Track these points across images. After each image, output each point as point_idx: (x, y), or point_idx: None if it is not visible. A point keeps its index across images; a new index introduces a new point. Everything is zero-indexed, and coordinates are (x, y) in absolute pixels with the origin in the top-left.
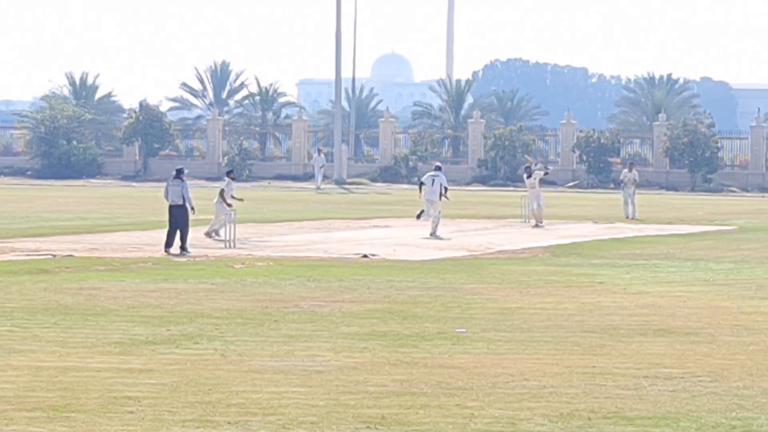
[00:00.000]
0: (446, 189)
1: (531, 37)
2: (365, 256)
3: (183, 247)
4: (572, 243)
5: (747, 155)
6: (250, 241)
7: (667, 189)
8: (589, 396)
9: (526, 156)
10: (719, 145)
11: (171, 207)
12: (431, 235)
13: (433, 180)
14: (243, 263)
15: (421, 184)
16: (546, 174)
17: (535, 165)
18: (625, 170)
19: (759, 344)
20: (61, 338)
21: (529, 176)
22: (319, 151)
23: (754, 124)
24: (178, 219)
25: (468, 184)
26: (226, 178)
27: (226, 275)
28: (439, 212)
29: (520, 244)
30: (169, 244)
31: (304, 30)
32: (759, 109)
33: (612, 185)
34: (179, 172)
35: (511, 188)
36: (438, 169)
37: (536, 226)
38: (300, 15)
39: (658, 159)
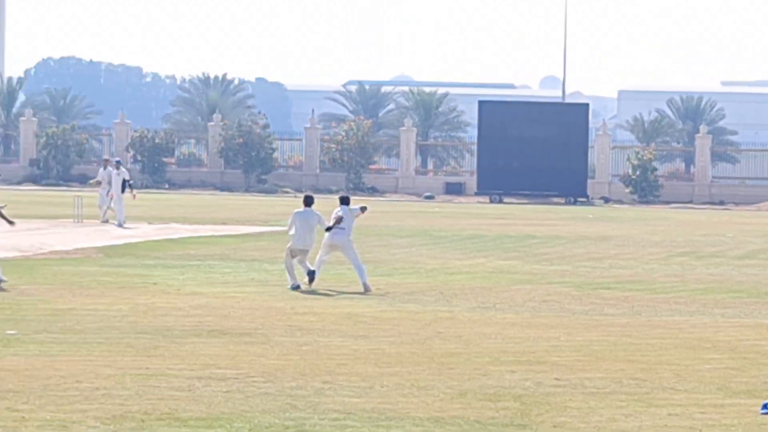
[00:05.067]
0: None
1: (85, 35)
2: None
3: None
4: (126, 243)
5: (302, 156)
6: None
7: (222, 189)
8: (142, 398)
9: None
10: (274, 145)
11: None
12: None
13: None
14: None
15: None
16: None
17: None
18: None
19: (311, 344)
20: None
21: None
22: None
23: (308, 125)
24: None
25: (19, 183)
26: None
27: None
28: None
29: (73, 245)
30: None
31: None
32: (313, 110)
33: (167, 185)
34: None
35: (64, 188)
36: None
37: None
38: None
39: (213, 159)
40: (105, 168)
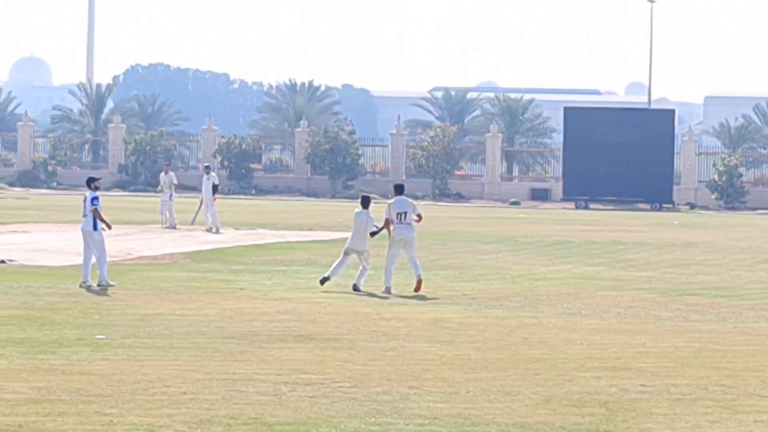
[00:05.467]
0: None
1: (172, 42)
2: (2, 261)
3: None
4: (213, 249)
5: (387, 162)
6: None
7: (308, 195)
8: (229, 402)
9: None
10: (360, 152)
11: None
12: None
13: None
14: None
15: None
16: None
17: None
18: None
19: (397, 350)
20: None
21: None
22: None
23: (394, 131)
24: None
25: (108, 189)
26: None
27: None
28: None
29: (161, 250)
30: None
31: None
32: (399, 116)
33: (254, 191)
34: None
35: (152, 194)
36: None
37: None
38: None
39: (299, 165)
40: (166, 173)
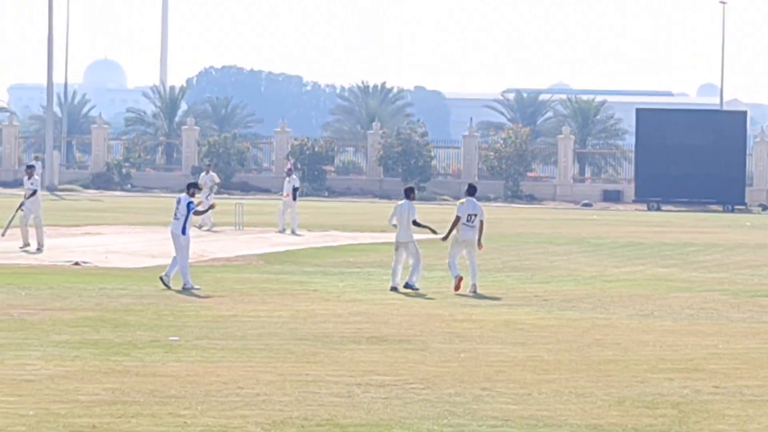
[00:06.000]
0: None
1: (246, 44)
2: (77, 263)
3: None
4: (286, 251)
5: (460, 164)
6: None
7: (381, 197)
8: (302, 404)
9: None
10: (432, 153)
11: None
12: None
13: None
14: None
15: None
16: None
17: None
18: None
19: (470, 351)
20: None
21: None
22: (36, 158)
23: (466, 133)
24: None
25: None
26: None
27: None
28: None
29: (234, 252)
30: None
31: (15, 34)
32: (471, 118)
33: (326, 193)
34: None
35: (225, 196)
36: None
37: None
38: (11, 18)
39: (372, 167)
40: (207, 173)
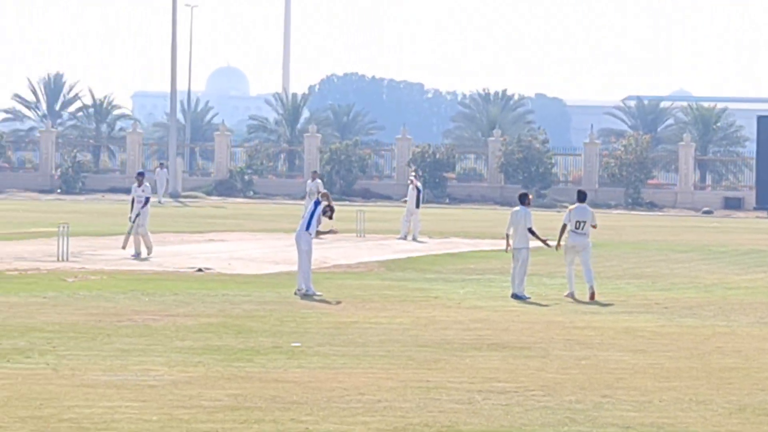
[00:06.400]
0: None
1: (367, 51)
2: (200, 270)
3: None
4: (407, 258)
5: (580, 171)
6: (83, 254)
7: (502, 204)
8: (423, 410)
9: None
10: (553, 160)
11: None
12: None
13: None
14: (76, 276)
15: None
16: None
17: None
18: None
19: (591, 359)
20: None
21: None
22: (162, 165)
23: (587, 140)
24: None
25: (303, 198)
26: None
27: (58, 289)
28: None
29: (355, 259)
30: None
31: (139, 42)
32: (592, 125)
33: (447, 200)
34: None
35: (347, 203)
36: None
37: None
38: (135, 27)
39: (492, 174)
40: (313, 180)
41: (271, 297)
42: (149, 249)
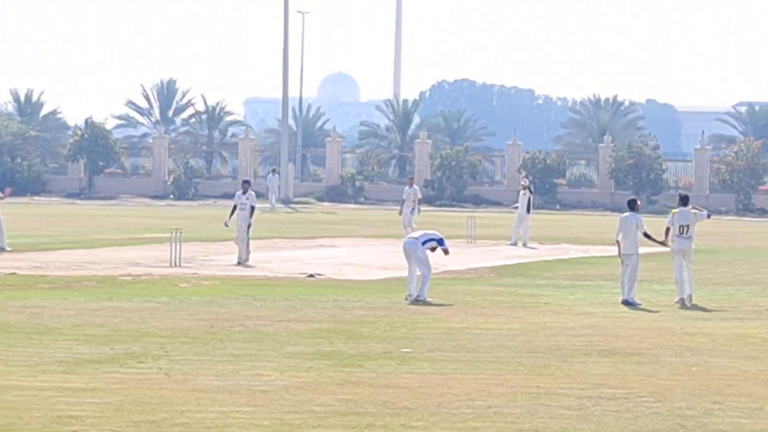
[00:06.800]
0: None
1: (478, 58)
2: (311, 275)
3: None
4: (517, 263)
5: (691, 177)
6: (195, 260)
7: (613, 210)
8: (533, 416)
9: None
10: (664, 167)
11: None
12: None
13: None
14: (188, 282)
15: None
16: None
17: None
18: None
19: (701, 365)
20: (3, 357)
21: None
22: (274, 170)
23: (698, 146)
24: None
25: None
26: None
27: (171, 294)
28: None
29: (466, 265)
30: None
31: (251, 48)
32: (703, 131)
33: (558, 206)
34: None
35: (457, 209)
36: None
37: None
38: (247, 33)
39: (603, 180)
40: (410, 186)
41: (382, 302)
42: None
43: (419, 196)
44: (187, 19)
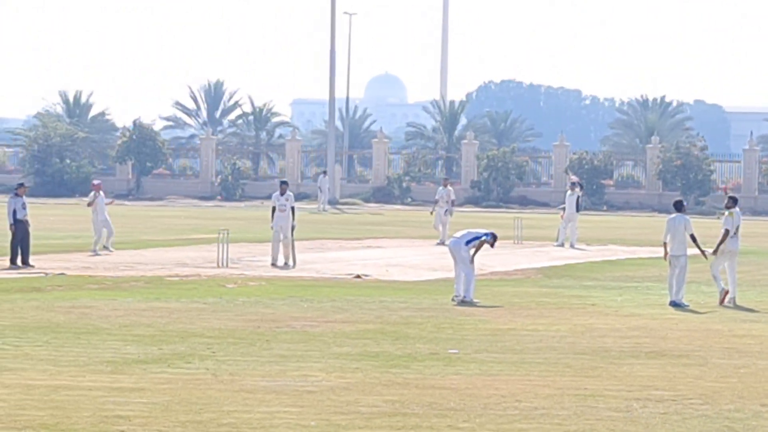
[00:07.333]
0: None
1: (525, 58)
2: (358, 276)
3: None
4: (565, 265)
5: (740, 178)
6: (242, 260)
7: (660, 211)
8: (580, 418)
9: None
10: (712, 167)
11: None
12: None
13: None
14: (235, 283)
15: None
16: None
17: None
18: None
19: (750, 367)
20: (52, 357)
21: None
22: (325, 172)
23: (747, 147)
24: None
25: (461, 204)
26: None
27: (218, 295)
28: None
29: (513, 266)
30: None
31: (298, 50)
32: (752, 132)
33: (605, 207)
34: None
35: (504, 209)
36: (574, 185)
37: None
38: (294, 35)
39: (650, 181)
40: (445, 186)
41: (429, 303)
42: (287, 259)
43: (453, 197)
44: (234, 20)
